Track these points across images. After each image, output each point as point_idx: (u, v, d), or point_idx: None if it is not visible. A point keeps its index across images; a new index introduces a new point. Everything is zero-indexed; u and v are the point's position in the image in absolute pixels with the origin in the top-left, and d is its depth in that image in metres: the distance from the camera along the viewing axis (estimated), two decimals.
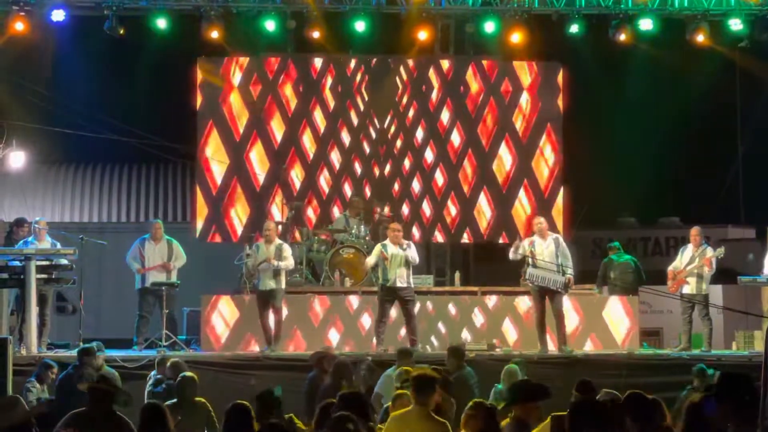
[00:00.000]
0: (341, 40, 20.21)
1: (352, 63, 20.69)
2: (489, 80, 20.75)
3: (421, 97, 20.73)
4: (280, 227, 17.71)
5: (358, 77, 20.70)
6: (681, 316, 16.96)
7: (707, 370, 14.36)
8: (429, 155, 20.69)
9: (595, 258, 23.38)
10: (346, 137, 20.58)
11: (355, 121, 20.60)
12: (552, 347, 16.37)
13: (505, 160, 20.69)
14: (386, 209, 18.96)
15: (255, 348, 16.65)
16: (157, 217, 22.03)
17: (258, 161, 20.30)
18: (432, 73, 20.79)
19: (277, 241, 16.42)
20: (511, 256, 16.48)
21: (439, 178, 20.66)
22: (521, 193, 20.65)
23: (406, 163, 20.67)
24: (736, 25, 19.19)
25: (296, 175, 20.38)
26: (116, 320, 19.47)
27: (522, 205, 20.64)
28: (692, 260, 16.73)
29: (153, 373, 14.18)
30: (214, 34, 18.89)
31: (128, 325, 17.27)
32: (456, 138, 20.68)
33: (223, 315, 17.07)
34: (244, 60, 20.37)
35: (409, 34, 19.55)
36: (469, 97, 20.74)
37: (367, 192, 20.42)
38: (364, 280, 17.75)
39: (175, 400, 11.82)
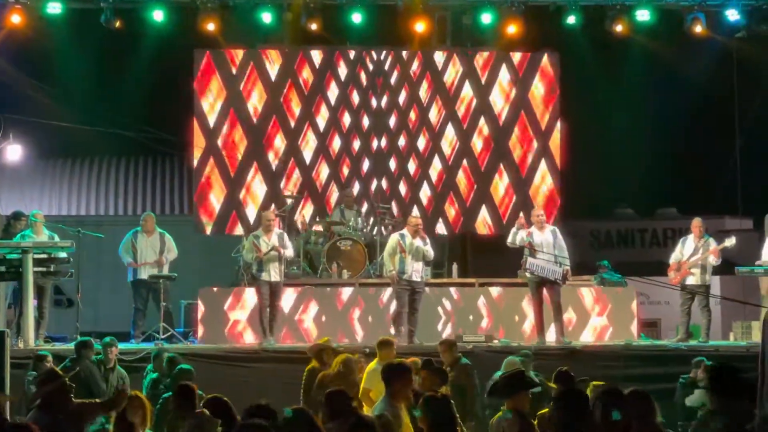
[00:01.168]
0: (338, 33, 20.21)
1: (351, 55, 20.69)
2: (487, 70, 20.76)
3: (419, 89, 20.76)
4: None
5: (356, 68, 20.71)
6: (680, 307, 16.93)
7: (707, 362, 14.36)
8: (423, 144, 20.78)
9: (592, 249, 23.45)
10: (346, 121, 20.66)
11: (351, 113, 20.66)
12: (551, 339, 16.38)
13: (510, 146, 20.75)
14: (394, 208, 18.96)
15: (251, 340, 16.66)
16: (154, 210, 22.01)
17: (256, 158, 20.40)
18: (430, 64, 20.80)
19: (277, 230, 16.44)
20: (509, 240, 16.47)
21: (437, 165, 20.75)
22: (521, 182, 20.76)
23: (411, 163, 20.72)
24: (733, 15, 19.21)
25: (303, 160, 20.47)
26: (113, 313, 19.47)
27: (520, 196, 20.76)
28: (696, 251, 16.69)
29: (149, 367, 14.18)
30: (211, 26, 18.89)
31: (125, 318, 17.27)
32: (450, 131, 20.72)
33: (220, 307, 17.06)
34: (241, 51, 20.40)
35: (406, 26, 19.56)
36: (464, 87, 20.77)
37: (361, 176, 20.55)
38: (362, 272, 17.74)
39: (171, 393, 11.81)
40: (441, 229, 20.59)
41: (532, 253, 16.17)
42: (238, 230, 19.82)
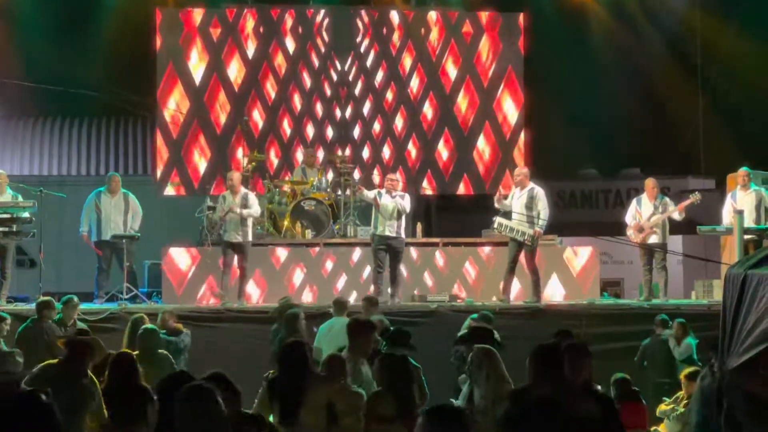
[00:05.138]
0: None
1: (318, 15, 20.72)
2: (450, 27, 20.84)
3: (381, 43, 20.81)
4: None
5: (318, 23, 20.75)
6: (643, 267, 17.01)
7: (669, 320, 14.52)
8: (389, 99, 20.98)
9: (557, 209, 23.49)
10: (307, 80, 20.80)
11: (316, 64, 20.77)
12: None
13: (464, 105, 20.84)
14: (347, 162, 18.86)
15: (214, 300, 16.66)
16: (117, 170, 21.89)
17: (219, 107, 20.38)
18: (392, 20, 20.87)
19: (243, 190, 16.36)
20: (496, 205, 16.50)
21: (399, 122, 20.95)
22: (482, 139, 20.83)
23: (367, 106, 20.93)
24: None
25: (258, 118, 20.48)
26: (76, 273, 19.37)
27: (480, 152, 20.87)
28: (655, 211, 16.76)
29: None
30: None
31: (88, 278, 17.19)
32: (415, 83, 20.83)
33: (184, 267, 17.03)
34: (202, 10, 20.36)
35: None
36: (429, 43, 20.86)
37: (329, 135, 20.60)
38: (326, 232, 17.73)
39: (136, 352, 11.79)
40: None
41: (504, 212, 16.26)
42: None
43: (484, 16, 20.91)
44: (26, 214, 15.91)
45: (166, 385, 6.35)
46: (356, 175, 19.64)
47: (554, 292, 17.50)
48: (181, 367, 13.42)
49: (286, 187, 18.46)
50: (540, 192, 16.24)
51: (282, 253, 17.28)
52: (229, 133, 20.30)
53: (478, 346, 8.16)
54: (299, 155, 20.29)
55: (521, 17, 20.95)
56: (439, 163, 20.90)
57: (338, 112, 20.83)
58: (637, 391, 10.63)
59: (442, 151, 20.90)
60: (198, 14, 20.34)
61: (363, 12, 20.84)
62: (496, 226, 16.39)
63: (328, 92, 20.82)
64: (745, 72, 22.21)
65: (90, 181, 21.27)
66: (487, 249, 17.66)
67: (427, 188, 20.72)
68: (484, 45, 20.81)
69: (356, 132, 20.84)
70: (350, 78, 20.84)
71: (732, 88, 22.69)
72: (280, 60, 20.67)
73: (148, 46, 20.43)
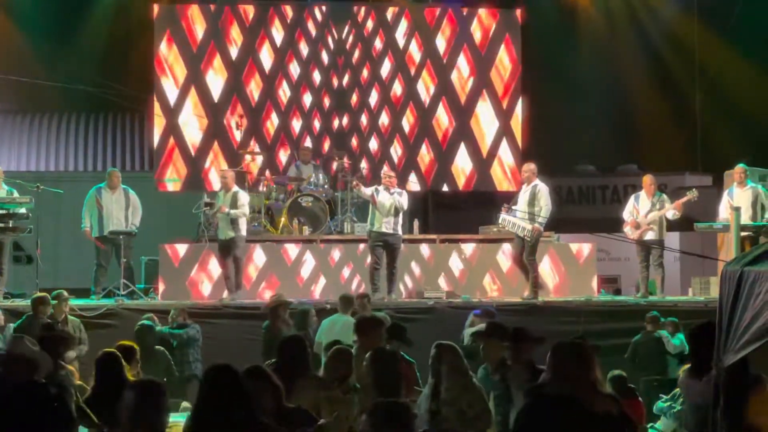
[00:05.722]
0: None
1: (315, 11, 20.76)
2: (449, 24, 20.81)
3: (376, 40, 20.81)
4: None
5: (314, 19, 20.76)
6: (640, 263, 17.02)
7: (660, 317, 14.55)
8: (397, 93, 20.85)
9: (554, 205, 23.47)
10: (294, 71, 20.72)
11: (325, 60, 20.78)
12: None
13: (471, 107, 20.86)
14: (345, 159, 18.82)
15: (211, 295, 16.66)
16: (114, 166, 21.88)
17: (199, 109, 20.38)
18: (390, 16, 20.81)
19: (234, 188, 16.37)
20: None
21: (386, 120, 20.82)
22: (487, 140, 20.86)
23: (367, 108, 20.80)
24: None
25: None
26: (74, 269, 19.39)
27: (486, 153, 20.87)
28: (653, 208, 16.76)
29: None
30: None
31: (86, 274, 17.20)
32: (403, 82, 20.85)
33: (181, 263, 17.03)
34: (199, 5, 20.35)
35: None
36: (425, 41, 20.82)
37: (335, 125, 20.58)
38: (323, 229, 17.74)
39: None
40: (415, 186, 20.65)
41: (507, 208, 16.29)
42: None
43: (482, 12, 20.89)
44: (23, 210, 15.92)
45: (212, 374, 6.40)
46: (363, 165, 19.71)
47: (551, 288, 17.51)
48: (189, 360, 13.49)
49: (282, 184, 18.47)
50: (543, 188, 16.26)
51: (292, 249, 17.29)
52: (227, 128, 20.24)
53: (439, 342, 8.27)
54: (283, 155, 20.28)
55: (519, 14, 20.94)
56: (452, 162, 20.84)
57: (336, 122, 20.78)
58: (634, 388, 10.66)
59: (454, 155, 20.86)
60: (195, 9, 20.29)
61: (357, 10, 20.79)
62: (500, 221, 16.52)
63: (335, 84, 20.75)
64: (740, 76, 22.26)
65: (87, 177, 21.29)
66: (473, 246, 17.70)
67: (412, 183, 20.48)
68: (483, 45, 20.77)
69: (362, 123, 20.76)
70: (350, 69, 20.78)
71: (730, 84, 22.67)
72: (267, 55, 20.59)
73: (145, 42, 20.40)
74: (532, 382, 7.21)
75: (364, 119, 20.72)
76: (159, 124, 20.16)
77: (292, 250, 17.31)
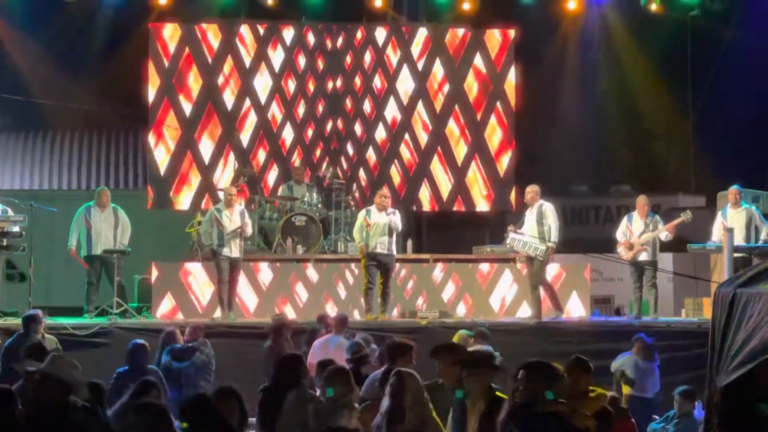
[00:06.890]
0: (293, 7, 20.28)
1: (310, 33, 20.75)
2: (440, 45, 20.85)
3: (373, 62, 20.83)
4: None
5: (312, 41, 20.74)
6: (633, 284, 17.03)
7: (646, 339, 14.48)
8: (385, 117, 20.90)
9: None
10: (291, 87, 20.76)
11: (309, 84, 20.74)
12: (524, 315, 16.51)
13: (455, 126, 20.88)
14: (330, 171, 18.93)
15: (204, 314, 16.64)
16: (108, 184, 21.88)
17: (208, 132, 20.37)
18: (383, 38, 20.85)
19: (238, 205, 16.49)
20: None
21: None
22: (473, 159, 20.85)
23: (357, 129, 20.83)
24: None
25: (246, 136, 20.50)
26: (67, 288, 19.35)
27: (473, 172, 20.87)
28: (646, 229, 16.77)
29: None
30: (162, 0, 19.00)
31: (79, 292, 17.17)
32: (402, 103, 20.86)
33: (174, 282, 17.01)
34: (194, 25, 20.38)
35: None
36: (418, 61, 20.86)
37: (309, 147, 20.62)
38: (317, 248, 17.74)
39: (126, 367, 11.78)
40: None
41: (515, 228, 16.38)
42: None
43: (475, 31, 20.93)
44: (16, 228, 15.89)
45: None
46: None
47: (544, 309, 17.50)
48: (199, 383, 13.07)
49: (275, 203, 18.50)
50: (549, 207, 16.40)
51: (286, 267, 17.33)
52: (220, 148, 20.29)
53: (400, 368, 8.06)
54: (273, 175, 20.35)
55: (512, 33, 20.98)
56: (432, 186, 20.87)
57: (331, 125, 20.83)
58: (626, 409, 10.63)
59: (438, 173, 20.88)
60: (191, 28, 20.32)
61: (355, 33, 20.82)
62: (508, 241, 16.56)
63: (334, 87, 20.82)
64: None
65: (81, 195, 21.22)
66: (479, 266, 17.70)
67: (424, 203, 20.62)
68: (475, 65, 20.84)
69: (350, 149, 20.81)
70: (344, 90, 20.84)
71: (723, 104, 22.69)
72: (267, 78, 20.64)
73: (139, 60, 20.43)
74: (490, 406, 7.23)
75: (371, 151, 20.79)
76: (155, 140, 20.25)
77: (285, 269, 17.30)
